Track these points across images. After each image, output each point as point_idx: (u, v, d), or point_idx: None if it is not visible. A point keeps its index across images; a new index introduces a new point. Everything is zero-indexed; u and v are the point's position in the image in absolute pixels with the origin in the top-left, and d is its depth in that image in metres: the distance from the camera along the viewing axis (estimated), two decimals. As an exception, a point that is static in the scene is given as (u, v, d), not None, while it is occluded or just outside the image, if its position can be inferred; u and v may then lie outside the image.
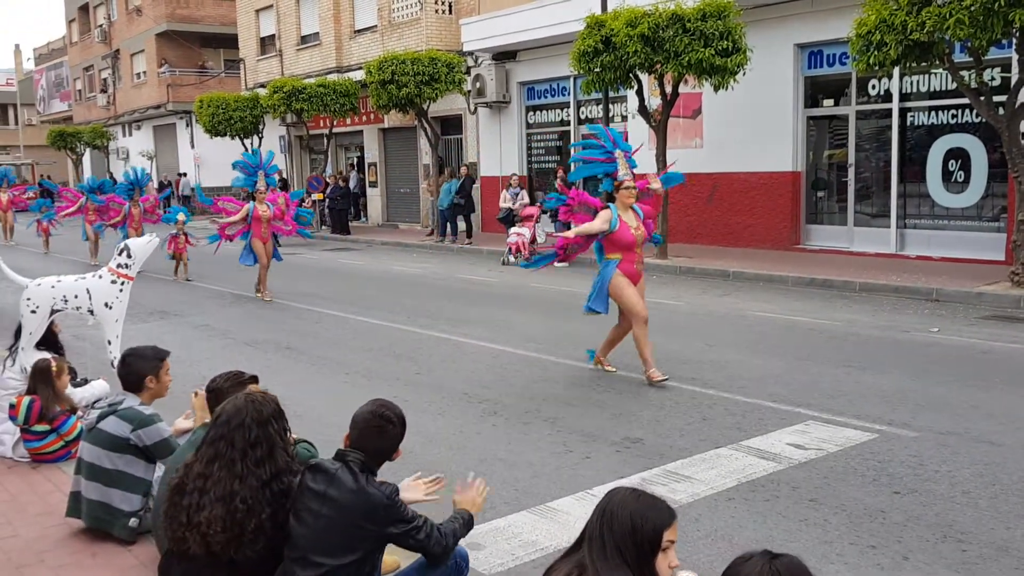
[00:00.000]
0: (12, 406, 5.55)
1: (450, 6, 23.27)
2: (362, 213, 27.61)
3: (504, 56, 21.27)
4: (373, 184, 27.00)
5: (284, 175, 27.47)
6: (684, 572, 2.69)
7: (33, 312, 6.64)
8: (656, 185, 7.91)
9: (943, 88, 13.80)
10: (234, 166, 13.74)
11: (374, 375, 8.18)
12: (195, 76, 37.18)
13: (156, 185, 32.35)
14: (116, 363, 4.83)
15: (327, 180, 25.40)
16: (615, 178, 7.71)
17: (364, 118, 25.98)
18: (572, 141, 20.27)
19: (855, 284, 12.14)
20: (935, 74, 13.83)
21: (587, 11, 15.54)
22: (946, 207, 14.06)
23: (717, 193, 16.71)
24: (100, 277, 7.30)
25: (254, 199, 12.83)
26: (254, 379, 4.04)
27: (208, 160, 35.10)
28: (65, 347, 7.05)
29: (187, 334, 10.45)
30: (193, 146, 36.39)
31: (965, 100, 12.30)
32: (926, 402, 6.73)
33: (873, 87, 14.79)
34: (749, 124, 15.95)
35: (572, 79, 19.47)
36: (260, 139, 27.71)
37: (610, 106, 17.68)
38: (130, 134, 42.68)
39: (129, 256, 7.40)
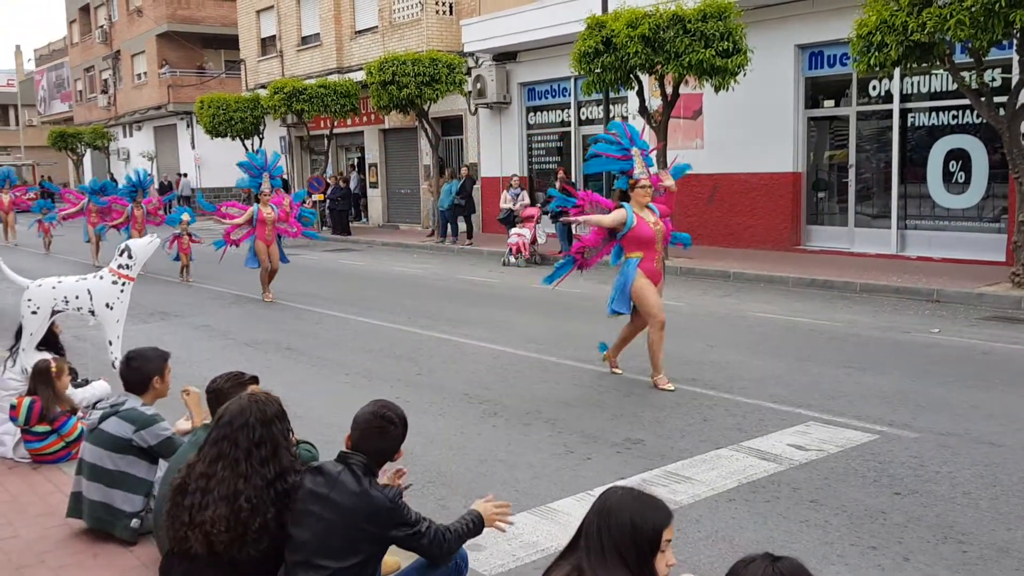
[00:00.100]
0: (13, 407, 5.56)
1: (451, 7, 23.28)
2: (363, 214, 27.61)
3: (505, 57, 21.28)
4: (374, 185, 27.01)
5: (285, 176, 27.47)
6: (684, 575, 2.69)
7: (34, 313, 6.64)
8: (669, 182, 7.73)
9: (944, 89, 13.80)
10: (239, 167, 13.70)
11: (374, 376, 8.18)
12: (196, 77, 37.20)
13: (157, 186, 32.34)
14: (118, 364, 4.84)
15: (328, 181, 25.40)
16: (631, 176, 7.54)
17: (365, 119, 25.99)
18: (572, 142, 20.32)
19: (856, 285, 12.14)
20: (936, 75, 13.83)
21: (588, 12, 15.53)
22: (947, 208, 14.06)
23: (718, 194, 16.71)
24: (101, 278, 7.30)
25: (258, 201, 12.80)
26: (254, 380, 4.04)
27: (208, 161, 35.14)
28: (66, 348, 7.06)
29: (187, 335, 10.46)
30: (194, 147, 36.41)
31: (966, 101, 12.29)
32: (927, 403, 6.73)
33: (874, 88, 14.79)
34: (750, 125, 15.95)
35: (573, 80, 19.48)
36: (261, 140, 27.71)
37: (611, 107, 17.66)
38: (131, 135, 42.71)
39: (130, 257, 7.40)
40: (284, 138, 30.09)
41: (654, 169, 7.79)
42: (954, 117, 13.83)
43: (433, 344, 9.51)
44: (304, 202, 16.74)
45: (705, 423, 6.41)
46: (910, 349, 8.65)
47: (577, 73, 16.34)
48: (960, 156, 13.75)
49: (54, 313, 6.80)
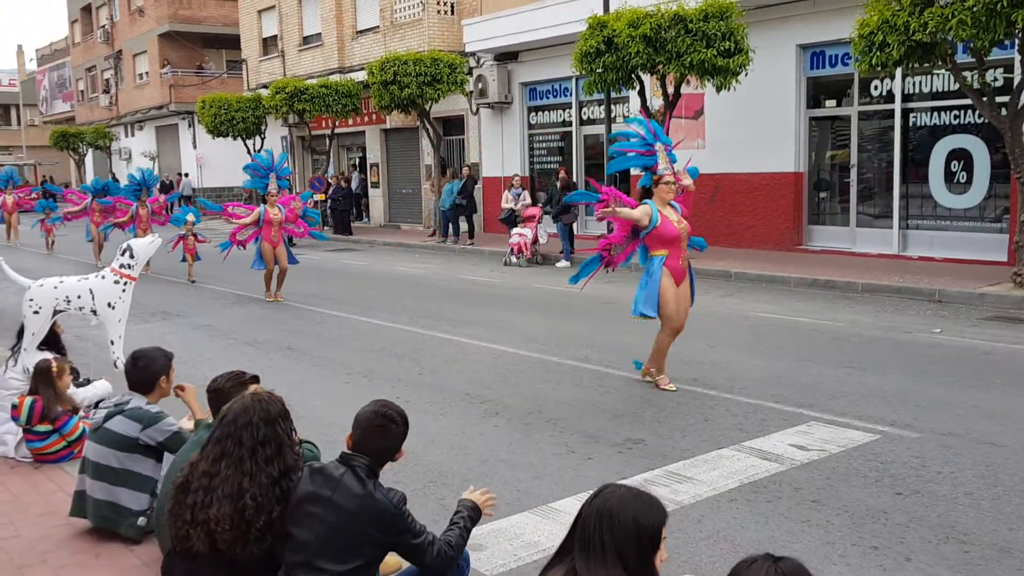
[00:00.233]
0: (14, 406, 5.57)
1: (452, 7, 23.29)
2: (364, 214, 27.63)
3: (506, 57, 21.28)
4: (375, 185, 27.02)
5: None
6: (685, 575, 2.69)
7: (36, 313, 6.64)
8: (687, 181, 7.54)
9: (945, 89, 13.79)
10: (246, 168, 13.66)
11: (376, 376, 8.18)
12: (197, 77, 37.23)
13: (159, 186, 32.33)
14: (120, 364, 4.85)
15: (329, 181, 25.40)
16: (654, 172, 7.28)
17: (366, 119, 26.00)
18: (574, 142, 20.33)
19: (857, 285, 12.14)
20: (937, 75, 13.82)
21: (589, 12, 15.54)
22: (948, 208, 14.05)
23: (719, 194, 16.70)
24: (103, 277, 7.30)
25: (265, 202, 12.78)
26: (255, 379, 4.04)
27: (210, 161, 35.17)
28: (68, 347, 7.06)
29: (189, 334, 10.46)
30: (195, 147, 36.44)
31: (967, 101, 12.29)
32: (928, 403, 6.72)
33: (875, 88, 14.78)
34: (751, 125, 15.95)
35: (574, 80, 19.48)
36: (262, 140, 27.72)
37: (612, 107, 17.68)
38: (132, 135, 42.74)
39: (132, 256, 7.41)
40: (286, 138, 30.10)
41: (678, 166, 7.55)
42: (956, 117, 13.82)
43: (434, 344, 9.51)
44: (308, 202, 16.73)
45: (706, 423, 6.41)
46: (912, 349, 8.64)
47: (578, 73, 16.34)
48: (962, 156, 13.74)
49: (56, 313, 6.81)
